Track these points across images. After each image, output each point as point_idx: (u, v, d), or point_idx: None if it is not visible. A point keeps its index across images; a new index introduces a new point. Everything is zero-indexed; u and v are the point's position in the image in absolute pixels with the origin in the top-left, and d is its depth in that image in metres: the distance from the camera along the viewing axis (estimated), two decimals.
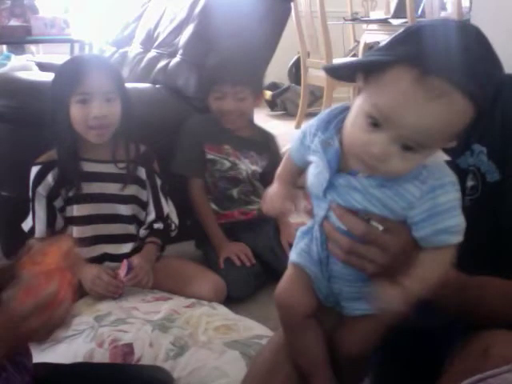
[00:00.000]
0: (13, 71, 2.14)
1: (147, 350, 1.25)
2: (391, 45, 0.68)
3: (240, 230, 1.87)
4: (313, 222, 0.81)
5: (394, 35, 0.69)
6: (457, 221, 0.71)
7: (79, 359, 1.23)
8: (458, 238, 0.71)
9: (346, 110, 0.74)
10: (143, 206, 1.58)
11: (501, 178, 0.90)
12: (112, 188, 1.52)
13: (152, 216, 1.57)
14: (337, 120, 0.75)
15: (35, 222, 1.47)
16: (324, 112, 0.78)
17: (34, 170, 1.46)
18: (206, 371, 1.20)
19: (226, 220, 1.85)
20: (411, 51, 0.64)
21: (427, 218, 0.71)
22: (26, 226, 1.49)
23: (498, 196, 0.85)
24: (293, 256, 0.84)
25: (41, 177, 1.46)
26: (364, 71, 0.69)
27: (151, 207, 1.57)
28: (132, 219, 1.56)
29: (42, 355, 1.20)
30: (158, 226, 1.58)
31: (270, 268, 1.73)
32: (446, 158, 0.74)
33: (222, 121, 1.84)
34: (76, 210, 1.49)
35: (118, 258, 1.51)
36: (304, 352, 0.83)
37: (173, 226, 1.63)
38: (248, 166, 1.89)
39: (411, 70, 0.63)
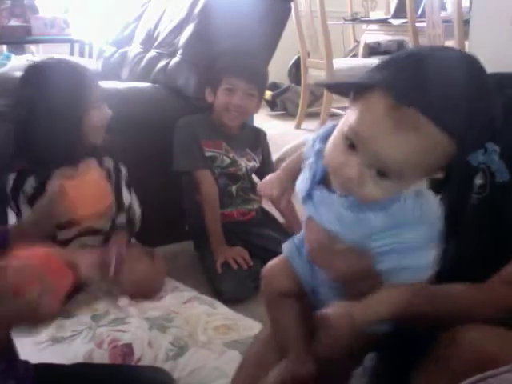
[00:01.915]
0: (13, 71, 2.14)
1: (147, 350, 1.26)
2: (381, 66, 0.67)
3: (239, 231, 1.87)
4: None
5: (392, 56, 0.68)
6: (422, 260, 0.69)
7: (79, 360, 1.23)
8: (420, 278, 0.69)
9: None
10: None
11: (510, 179, 0.90)
12: None
13: (113, 208, 1.53)
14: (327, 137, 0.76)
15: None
16: (331, 124, 0.77)
17: (11, 177, 1.42)
18: (205, 371, 1.20)
19: (226, 220, 1.85)
20: (388, 77, 0.63)
21: (389, 251, 0.69)
22: None
23: (505, 196, 0.85)
24: (285, 246, 0.85)
25: (19, 184, 1.43)
26: (353, 90, 0.69)
27: (113, 198, 1.51)
28: None
29: (41, 356, 1.20)
30: (121, 220, 1.55)
31: None
32: (431, 193, 0.72)
33: (224, 116, 1.84)
34: None
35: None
36: (280, 328, 0.85)
37: (136, 215, 1.58)
38: (246, 163, 1.90)
39: (386, 98, 0.62)
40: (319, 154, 0.75)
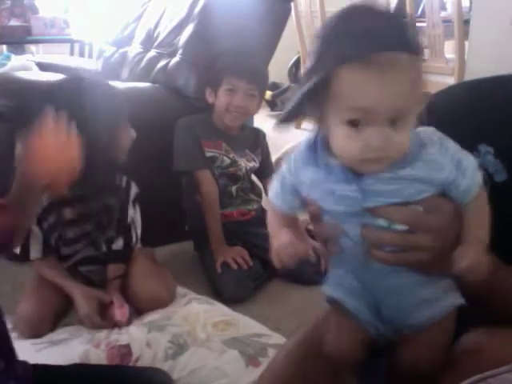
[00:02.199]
0: (13, 71, 2.14)
1: (145, 350, 1.25)
2: (318, 58, 0.70)
3: (239, 231, 1.87)
4: (344, 252, 0.76)
5: (317, 43, 0.71)
6: (471, 158, 0.73)
7: (75, 360, 1.21)
8: (480, 175, 0.73)
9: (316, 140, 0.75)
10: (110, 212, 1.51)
11: (509, 178, 0.90)
12: (99, 203, 1.48)
13: (114, 225, 1.50)
14: (317, 147, 0.75)
15: (30, 242, 1.42)
16: (295, 153, 0.77)
17: None
18: (205, 371, 1.20)
19: (226, 220, 1.85)
20: (344, 49, 0.66)
21: (457, 166, 0.71)
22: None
23: (506, 196, 0.85)
24: (326, 290, 0.79)
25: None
26: (314, 100, 0.70)
27: (117, 215, 1.51)
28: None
29: (38, 357, 1.19)
30: (118, 246, 1.50)
31: (269, 267, 1.74)
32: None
33: (225, 116, 1.84)
34: (69, 233, 1.46)
35: (96, 260, 1.50)
36: None
37: (134, 239, 1.54)
38: (246, 163, 1.90)
39: (351, 64, 0.65)
40: (326, 168, 0.73)
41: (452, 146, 0.72)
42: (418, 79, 0.69)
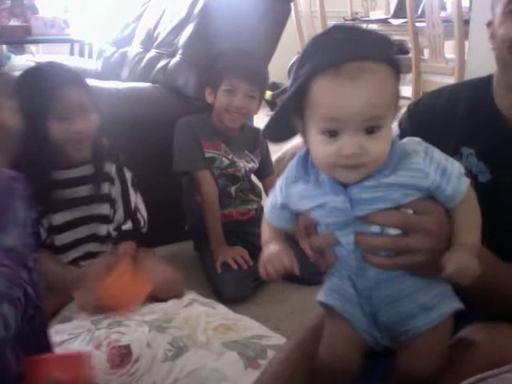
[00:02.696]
0: (13, 71, 2.14)
1: (145, 350, 1.25)
2: (296, 72, 0.72)
3: (239, 231, 1.87)
4: (339, 261, 0.77)
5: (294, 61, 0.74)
6: (456, 165, 0.74)
7: None
8: (467, 179, 0.74)
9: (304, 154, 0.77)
10: (113, 203, 1.55)
11: (492, 178, 0.91)
12: (86, 190, 1.50)
13: (120, 213, 1.54)
14: (306, 164, 0.77)
15: None
16: (286, 170, 0.79)
17: None
18: (204, 373, 1.19)
19: (225, 220, 1.85)
20: (317, 60, 0.68)
21: (442, 174, 0.72)
22: None
23: (491, 196, 0.86)
24: (322, 297, 0.80)
25: None
26: (296, 112, 0.72)
27: (119, 202, 1.55)
28: (106, 218, 1.54)
29: None
30: (127, 226, 1.55)
31: None
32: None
33: (224, 117, 1.83)
34: (55, 220, 1.47)
35: (99, 255, 1.51)
36: None
37: (142, 222, 1.59)
38: (245, 164, 1.90)
39: (324, 73, 0.67)
40: (316, 183, 0.75)
41: (437, 154, 0.73)
42: (392, 89, 0.70)
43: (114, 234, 1.54)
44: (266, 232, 0.83)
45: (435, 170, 0.71)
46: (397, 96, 0.71)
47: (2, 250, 0.79)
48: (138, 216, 1.58)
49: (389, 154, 0.71)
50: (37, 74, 1.46)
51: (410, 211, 0.73)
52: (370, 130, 0.68)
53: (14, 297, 0.81)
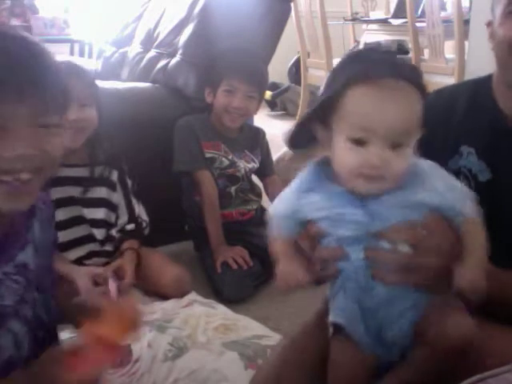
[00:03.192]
0: None
1: (145, 350, 1.25)
2: (331, 80, 0.75)
3: (239, 231, 1.87)
4: (342, 277, 0.78)
5: (336, 67, 0.78)
6: (460, 184, 0.78)
7: None
8: (472, 203, 0.76)
9: (319, 164, 0.79)
10: (113, 208, 1.56)
11: (492, 177, 0.91)
12: (78, 192, 1.51)
13: (124, 218, 1.56)
14: (320, 174, 0.78)
15: None
16: (299, 179, 0.79)
17: None
18: (204, 373, 1.19)
19: (225, 220, 1.85)
20: (357, 70, 0.72)
21: (450, 192, 0.75)
22: None
23: (491, 195, 0.86)
24: (332, 317, 0.80)
25: None
26: (320, 120, 0.75)
27: (123, 210, 1.56)
28: (102, 222, 1.54)
29: None
30: (130, 227, 1.57)
31: (269, 267, 1.73)
32: None
33: (224, 117, 1.83)
34: (58, 216, 1.47)
35: (103, 254, 1.53)
36: None
37: (144, 224, 1.61)
38: (245, 164, 1.90)
39: (364, 83, 0.70)
40: (332, 195, 0.76)
41: (445, 174, 0.77)
42: (420, 112, 0.73)
43: (117, 235, 1.55)
44: (277, 246, 0.81)
45: (448, 189, 0.75)
46: (420, 120, 0.74)
47: (14, 266, 0.78)
48: (140, 221, 1.61)
49: (407, 172, 0.74)
50: None
51: (423, 231, 0.75)
52: (396, 146, 0.71)
53: (22, 314, 0.79)
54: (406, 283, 0.75)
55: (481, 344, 0.74)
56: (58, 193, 1.47)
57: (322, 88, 0.77)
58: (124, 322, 0.78)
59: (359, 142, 0.71)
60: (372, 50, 0.77)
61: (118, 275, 1.45)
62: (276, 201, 0.82)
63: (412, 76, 0.73)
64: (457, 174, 0.91)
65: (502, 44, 0.88)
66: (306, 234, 0.80)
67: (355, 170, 0.72)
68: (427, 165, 0.77)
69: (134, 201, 1.59)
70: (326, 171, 0.78)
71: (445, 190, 0.74)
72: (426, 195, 0.74)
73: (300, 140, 0.81)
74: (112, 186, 1.55)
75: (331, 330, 0.81)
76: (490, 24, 0.93)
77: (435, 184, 0.74)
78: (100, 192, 1.53)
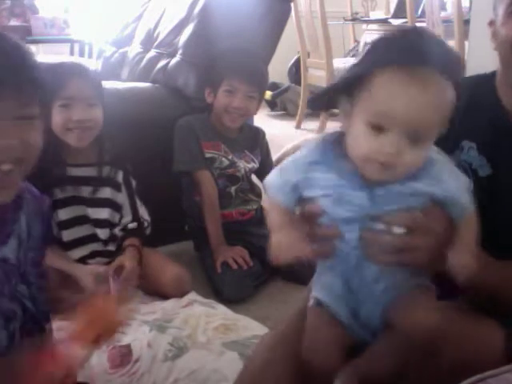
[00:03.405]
0: None
1: (145, 350, 1.25)
2: (364, 58, 0.74)
3: (239, 231, 1.87)
4: (336, 256, 0.78)
5: (370, 46, 0.75)
6: (467, 179, 0.78)
7: None
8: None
9: (332, 137, 0.78)
10: (117, 208, 1.57)
11: (492, 172, 0.91)
12: (85, 191, 1.51)
13: (128, 218, 1.57)
14: (329, 151, 0.77)
15: None
16: (305, 151, 0.78)
17: None
18: (204, 373, 1.19)
19: (225, 220, 1.85)
20: (390, 52, 0.70)
21: (457, 186, 0.76)
22: None
23: (491, 190, 0.86)
24: (316, 293, 0.81)
25: None
26: (347, 93, 0.73)
27: (127, 210, 1.57)
28: (106, 222, 1.55)
29: None
30: (133, 225, 1.58)
31: (269, 267, 1.74)
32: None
33: (224, 117, 1.83)
34: (59, 215, 1.48)
35: (107, 254, 1.54)
36: None
37: (145, 224, 1.62)
38: (245, 164, 1.90)
39: (394, 68, 0.68)
40: (340, 171, 0.75)
41: (451, 164, 0.77)
42: (447, 105, 0.71)
43: (119, 234, 1.56)
44: (273, 217, 0.79)
45: (453, 180, 0.75)
46: (447, 115, 0.72)
47: None
48: (142, 220, 1.61)
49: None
50: (53, 67, 1.48)
51: (419, 213, 0.75)
52: (415, 138, 0.70)
53: (5, 309, 0.80)
54: (398, 264, 0.76)
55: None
56: (66, 192, 1.48)
57: (356, 58, 0.76)
58: (96, 326, 0.77)
59: (378, 128, 0.70)
60: (415, 33, 0.72)
61: (120, 273, 1.45)
62: (275, 171, 0.80)
63: (448, 68, 0.70)
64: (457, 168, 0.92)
65: (505, 43, 0.88)
66: (306, 211, 0.79)
67: (368, 156, 0.71)
68: (436, 154, 0.76)
69: (137, 202, 1.60)
70: (336, 149, 0.76)
71: (451, 182, 0.75)
72: (434, 188, 0.74)
73: (321, 103, 0.81)
74: (117, 187, 1.56)
75: (312, 301, 0.82)
76: (492, 23, 0.93)
77: (443, 176, 0.74)
78: (105, 192, 1.54)
